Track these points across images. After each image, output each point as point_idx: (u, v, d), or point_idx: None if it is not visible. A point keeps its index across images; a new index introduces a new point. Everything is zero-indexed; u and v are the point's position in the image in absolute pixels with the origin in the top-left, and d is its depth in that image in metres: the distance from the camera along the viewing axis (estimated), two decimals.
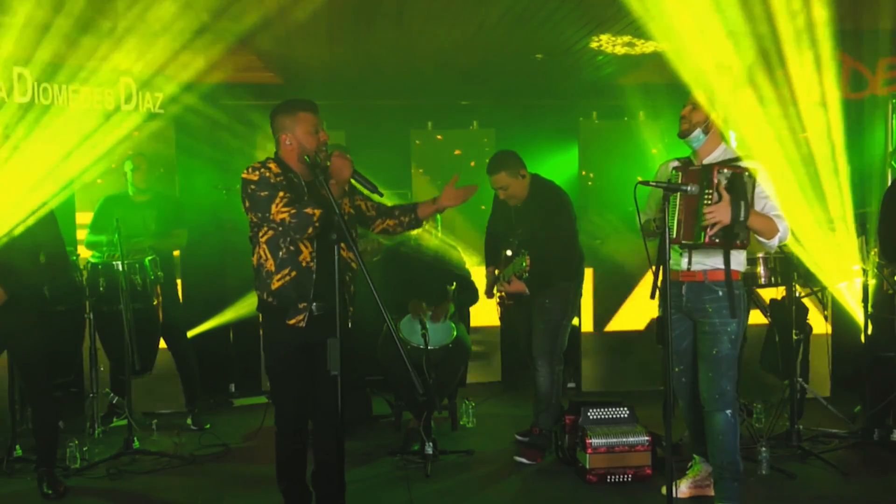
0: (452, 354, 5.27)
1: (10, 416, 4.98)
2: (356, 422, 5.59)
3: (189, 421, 5.75)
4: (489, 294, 5.30)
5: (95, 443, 5.26)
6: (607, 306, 6.77)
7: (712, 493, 4.14)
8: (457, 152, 6.99)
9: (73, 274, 5.34)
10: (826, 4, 5.09)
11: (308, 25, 5.55)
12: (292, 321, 3.53)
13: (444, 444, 5.02)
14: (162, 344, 5.72)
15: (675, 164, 3.95)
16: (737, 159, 3.79)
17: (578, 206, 5.76)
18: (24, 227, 4.29)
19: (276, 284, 3.52)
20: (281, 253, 3.51)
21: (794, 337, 5.03)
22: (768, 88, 5.88)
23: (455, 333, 5.27)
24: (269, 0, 4.95)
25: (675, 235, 3.69)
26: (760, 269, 4.98)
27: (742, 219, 3.61)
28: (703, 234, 3.63)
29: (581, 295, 5.23)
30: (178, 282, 6.03)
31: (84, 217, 5.83)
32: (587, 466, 4.42)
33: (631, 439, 4.44)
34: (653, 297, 3.69)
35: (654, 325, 6.35)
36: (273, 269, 3.52)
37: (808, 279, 5.08)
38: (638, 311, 6.66)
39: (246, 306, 6.30)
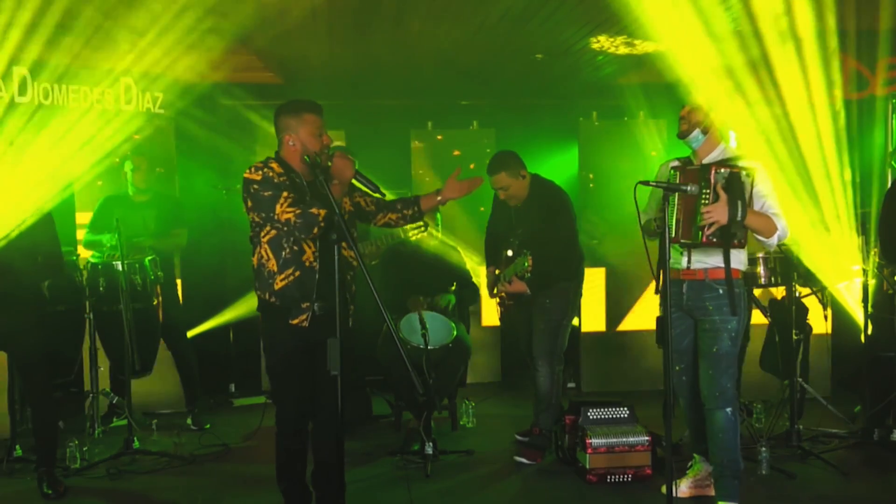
0: (452, 354, 5.27)
1: (9, 416, 4.98)
2: (356, 422, 5.59)
3: (189, 421, 5.75)
4: (491, 294, 5.30)
5: (95, 443, 5.26)
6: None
7: (712, 492, 4.14)
8: (455, 153, 6.99)
9: (72, 274, 5.34)
10: (826, 4, 5.09)
11: (308, 25, 5.56)
12: (295, 321, 3.53)
13: (444, 444, 5.02)
14: (162, 344, 5.72)
15: (675, 163, 3.96)
16: (735, 159, 3.80)
17: (578, 206, 5.77)
18: (21, 226, 4.29)
19: (279, 284, 3.51)
20: (284, 253, 3.51)
21: (794, 337, 5.03)
22: (768, 88, 5.88)
23: (455, 333, 5.27)
24: (269, 0, 4.95)
25: (674, 235, 3.71)
26: (760, 269, 4.99)
27: (739, 218, 3.62)
28: (700, 233, 3.65)
29: (581, 295, 5.23)
30: (178, 282, 6.03)
31: (84, 217, 5.83)
32: (587, 466, 4.42)
33: (631, 439, 4.44)
34: (657, 292, 3.70)
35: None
36: (276, 269, 3.52)
37: (808, 279, 5.08)
38: (653, 309, 6.66)
39: (246, 306, 6.30)
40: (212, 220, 6.68)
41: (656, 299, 3.99)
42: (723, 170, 3.64)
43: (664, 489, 3.79)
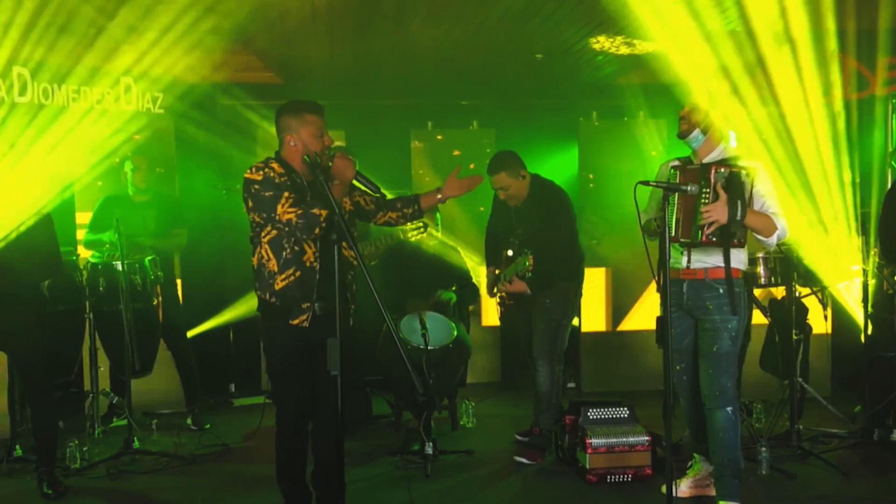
0: (452, 354, 5.27)
1: (9, 416, 4.98)
2: (356, 422, 5.59)
3: (189, 421, 5.75)
4: (490, 294, 5.30)
5: (95, 443, 5.26)
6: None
7: (712, 492, 4.15)
8: (455, 153, 6.98)
9: (72, 274, 5.34)
10: (825, 5, 5.09)
11: (308, 25, 5.56)
12: (296, 321, 3.53)
13: (444, 444, 5.02)
14: (162, 344, 5.72)
15: (675, 163, 3.96)
16: (736, 159, 3.81)
17: (578, 206, 5.76)
18: (20, 226, 4.28)
19: (279, 285, 3.51)
20: (285, 253, 3.50)
21: (794, 337, 5.03)
22: (767, 89, 5.88)
23: (455, 333, 5.27)
24: (269, 0, 4.95)
25: (673, 234, 3.72)
26: (760, 269, 4.98)
27: (739, 218, 3.63)
28: (700, 232, 3.65)
29: (581, 295, 5.23)
30: (178, 282, 6.03)
31: (84, 217, 5.82)
32: (587, 466, 4.42)
33: (631, 439, 4.44)
34: (659, 290, 3.71)
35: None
36: (276, 269, 3.51)
37: (808, 279, 5.08)
38: (653, 309, 6.66)
39: (246, 306, 6.30)
40: (212, 220, 6.67)
41: (656, 299, 3.99)
42: (723, 169, 3.65)
43: (664, 489, 3.79)
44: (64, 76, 5.63)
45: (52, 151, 5.42)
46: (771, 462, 4.50)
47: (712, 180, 3.62)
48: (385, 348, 5.37)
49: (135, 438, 5.01)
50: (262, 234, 3.54)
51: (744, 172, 3.68)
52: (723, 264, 3.80)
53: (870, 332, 5.15)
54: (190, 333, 6.10)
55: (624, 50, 6.20)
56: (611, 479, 4.42)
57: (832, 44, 5.64)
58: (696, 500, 4.18)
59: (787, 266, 4.99)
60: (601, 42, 6.02)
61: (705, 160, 3.85)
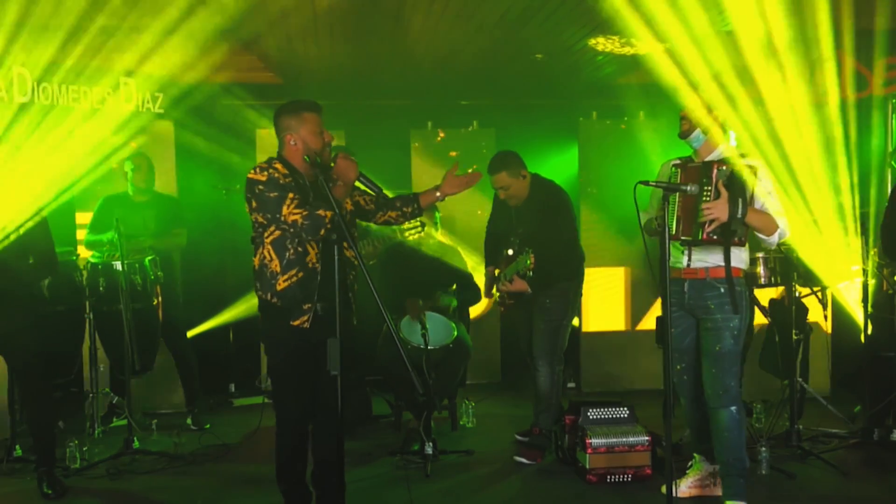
0: (452, 354, 5.27)
1: (9, 416, 4.97)
2: (356, 422, 5.59)
3: (189, 421, 5.75)
4: (489, 294, 5.30)
5: (95, 443, 5.26)
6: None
7: (712, 492, 4.16)
8: (452, 153, 6.98)
9: (72, 274, 5.34)
10: (826, 4, 5.09)
11: (308, 26, 5.56)
12: (297, 322, 3.53)
13: (444, 444, 5.02)
14: (162, 344, 5.72)
15: (677, 162, 3.96)
16: (737, 157, 3.80)
17: (578, 206, 5.77)
18: (16, 226, 4.28)
19: (281, 285, 3.51)
20: (288, 254, 3.50)
21: (794, 337, 5.03)
22: (767, 89, 5.88)
23: (455, 333, 5.27)
24: (269, 1, 4.95)
25: (674, 232, 3.72)
26: (760, 269, 4.98)
27: (739, 216, 3.63)
28: (700, 230, 3.65)
29: (581, 295, 5.23)
30: (178, 282, 6.03)
31: (84, 217, 5.83)
32: (587, 466, 4.42)
33: (631, 439, 4.44)
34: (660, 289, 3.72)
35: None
36: (278, 269, 3.51)
37: (808, 279, 5.08)
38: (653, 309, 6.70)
39: (246, 306, 6.30)
40: (212, 220, 6.68)
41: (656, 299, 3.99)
42: (724, 167, 3.65)
43: (664, 489, 3.79)
44: (64, 76, 5.63)
45: (52, 151, 5.41)
46: (771, 462, 4.50)
47: (713, 178, 3.62)
48: (385, 348, 5.37)
49: (135, 438, 5.01)
50: (265, 235, 3.54)
51: (746, 171, 3.69)
52: (723, 263, 3.80)
53: (870, 331, 5.15)
54: (190, 333, 6.10)
55: (624, 50, 6.20)
56: (611, 479, 4.42)
57: (831, 44, 5.64)
58: (695, 500, 4.18)
59: (787, 266, 4.99)
60: (601, 42, 6.02)
61: (706, 159, 3.86)
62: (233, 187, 6.27)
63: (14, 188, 4.65)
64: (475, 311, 6.57)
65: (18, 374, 4.52)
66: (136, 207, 5.67)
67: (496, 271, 5.18)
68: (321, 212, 3.40)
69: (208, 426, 5.73)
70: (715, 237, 3.68)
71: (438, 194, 3.85)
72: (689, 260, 3.87)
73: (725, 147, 3.93)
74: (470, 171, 4.01)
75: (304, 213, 3.41)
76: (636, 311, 6.81)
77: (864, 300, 5.14)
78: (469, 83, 7.36)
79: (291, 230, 3.46)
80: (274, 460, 3.73)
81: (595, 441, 4.42)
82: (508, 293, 5.07)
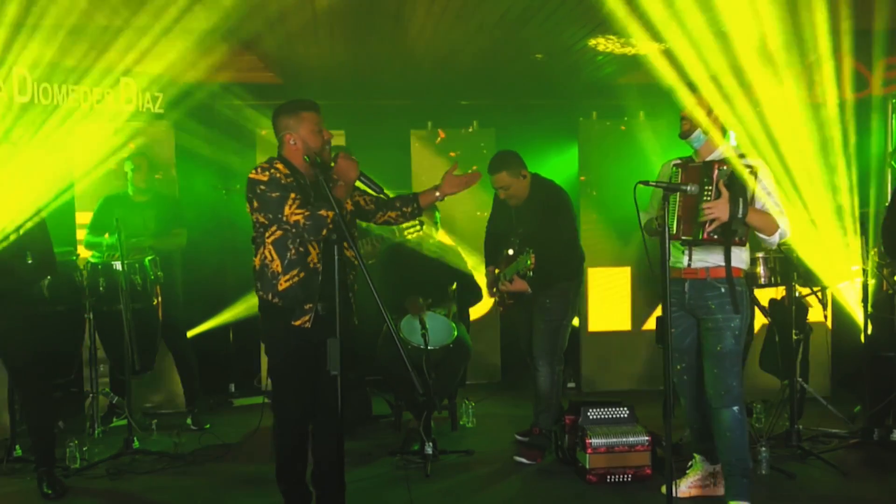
0: (453, 354, 5.27)
1: (9, 415, 4.97)
2: (356, 422, 5.59)
3: (189, 421, 5.75)
4: (490, 294, 5.30)
5: (95, 443, 5.26)
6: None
7: (712, 492, 4.16)
8: (452, 154, 6.98)
9: (72, 273, 5.34)
10: (825, 4, 5.09)
11: (308, 25, 5.56)
12: (298, 322, 3.53)
13: (444, 444, 5.02)
14: (162, 344, 5.72)
15: (677, 162, 3.96)
16: (738, 157, 3.81)
17: (578, 206, 5.77)
18: (14, 226, 4.27)
19: (283, 285, 3.51)
20: (289, 254, 3.50)
21: (794, 337, 5.03)
22: (767, 89, 5.88)
23: (455, 334, 5.27)
24: (269, 1, 4.95)
25: (674, 232, 3.72)
26: (760, 269, 4.98)
27: (740, 216, 3.62)
28: (701, 230, 3.65)
29: (580, 294, 5.23)
30: (178, 282, 6.03)
31: (84, 217, 5.82)
32: (587, 466, 4.42)
33: (631, 439, 4.44)
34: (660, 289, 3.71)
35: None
36: (280, 270, 3.51)
37: (808, 279, 5.08)
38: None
39: (246, 306, 6.30)
40: (212, 220, 6.68)
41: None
42: (725, 167, 3.65)
43: (664, 489, 3.79)
44: (64, 76, 5.63)
45: (51, 151, 5.42)
46: (771, 462, 4.50)
47: (714, 178, 3.62)
48: (385, 348, 5.37)
49: (135, 438, 5.01)
50: (267, 235, 3.53)
51: (746, 170, 3.68)
52: (724, 263, 3.80)
53: (870, 331, 5.15)
54: (190, 333, 6.10)
55: (624, 50, 6.20)
56: (611, 479, 4.42)
57: (831, 45, 5.64)
58: (695, 501, 4.18)
59: (787, 266, 4.99)
60: (601, 42, 6.02)
61: (707, 159, 3.85)
62: (233, 187, 6.27)
63: (13, 188, 4.65)
64: (477, 312, 6.59)
65: (16, 374, 4.50)
66: (136, 207, 5.67)
67: (496, 271, 5.18)
68: (323, 212, 3.40)
69: (208, 426, 5.73)
70: (716, 237, 3.68)
71: (438, 194, 3.85)
72: (690, 260, 3.87)
73: (726, 147, 3.93)
74: (470, 171, 4.01)
75: (307, 213, 3.41)
76: (641, 311, 6.81)
77: (864, 300, 5.14)
78: (469, 83, 7.36)
79: (293, 230, 3.46)
80: (274, 460, 3.73)
81: (595, 441, 4.42)
82: (508, 293, 5.07)
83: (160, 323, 5.59)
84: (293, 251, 3.50)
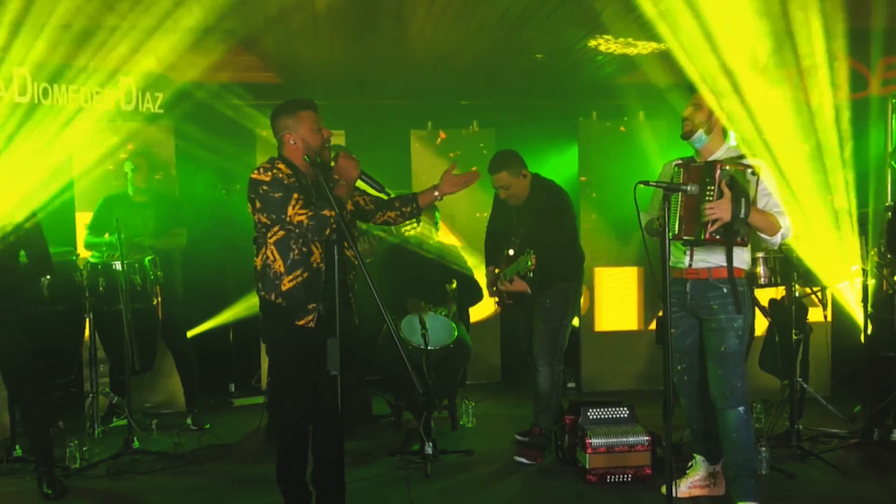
0: (453, 354, 5.27)
1: (9, 415, 4.97)
2: (356, 422, 5.59)
3: (189, 421, 5.75)
4: (491, 294, 5.30)
5: (95, 443, 5.26)
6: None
7: (712, 492, 4.16)
8: (451, 154, 6.98)
9: (72, 273, 5.34)
10: (824, 4, 5.09)
11: (308, 25, 5.56)
12: (302, 322, 3.53)
13: (444, 444, 5.03)
14: (162, 344, 5.72)
15: (679, 162, 3.95)
16: (740, 157, 3.80)
17: (578, 206, 5.77)
18: (12, 226, 4.27)
19: (286, 286, 3.51)
20: (292, 254, 3.50)
21: (794, 337, 5.03)
22: (766, 89, 5.88)
23: (456, 334, 5.27)
24: (269, 1, 4.96)
25: (676, 232, 3.72)
26: (760, 269, 4.98)
27: (742, 216, 3.62)
28: (703, 230, 3.65)
29: (581, 294, 5.23)
30: (178, 281, 6.03)
31: (84, 217, 5.83)
32: (587, 466, 4.42)
33: (631, 439, 4.44)
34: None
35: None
36: (283, 270, 3.51)
37: (808, 279, 5.08)
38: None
39: (246, 306, 6.30)
40: (212, 220, 6.68)
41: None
42: (727, 167, 3.65)
43: (664, 489, 3.79)
44: (64, 76, 5.63)
45: (51, 151, 5.42)
46: (771, 462, 4.50)
47: (717, 178, 3.62)
48: (385, 348, 5.37)
49: (135, 438, 5.01)
50: (269, 236, 3.53)
51: (749, 171, 3.68)
52: (725, 263, 3.80)
53: (870, 331, 5.15)
54: (190, 333, 6.10)
55: (624, 50, 6.20)
56: (611, 479, 4.42)
57: (831, 45, 5.64)
58: (695, 501, 4.18)
59: (787, 266, 4.99)
60: (601, 42, 6.02)
61: (709, 159, 3.85)
62: (233, 187, 6.27)
63: (13, 188, 4.65)
64: (479, 314, 6.58)
65: (5, 374, 4.47)
66: (136, 207, 5.67)
67: (496, 271, 5.18)
68: (326, 212, 3.40)
69: (208, 426, 5.73)
70: (718, 237, 3.68)
71: (437, 194, 3.85)
72: (692, 260, 3.87)
73: (727, 147, 3.93)
74: (469, 171, 4.00)
75: (310, 213, 3.41)
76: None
77: (864, 300, 5.14)
78: (469, 83, 7.36)
79: (296, 231, 3.46)
80: (274, 460, 3.73)
81: (595, 441, 4.42)
82: (508, 293, 5.07)
83: (160, 323, 5.59)
84: (296, 251, 3.50)
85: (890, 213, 5.10)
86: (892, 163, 6.20)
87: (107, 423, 5.61)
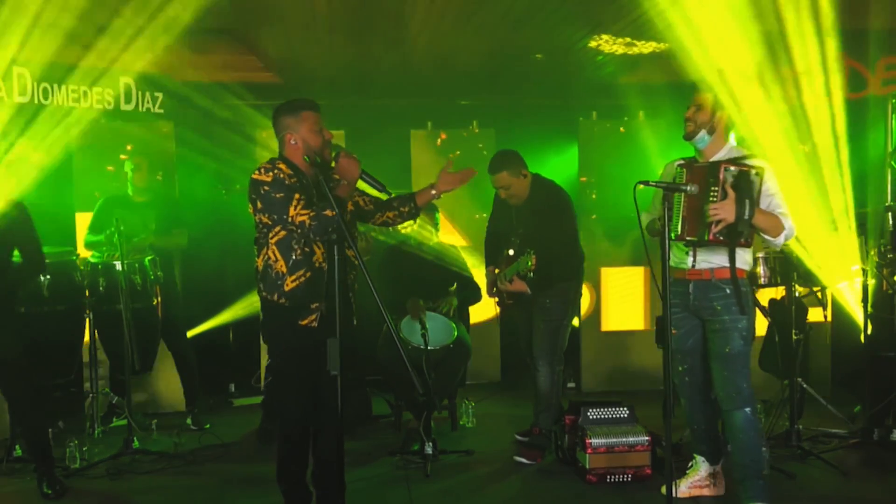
0: (452, 354, 5.27)
1: (9, 415, 4.97)
2: (356, 422, 5.59)
3: (189, 421, 5.75)
4: (490, 293, 5.30)
5: (95, 443, 5.26)
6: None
7: (712, 493, 4.16)
8: (450, 155, 6.97)
9: (71, 273, 5.34)
10: (825, 4, 5.09)
11: (308, 26, 5.56)
12: (305, 321, 3.53)
13: (444, 444, 5.02)
14: (162, 344, 5.72)
15: (681, 162, 3.94)
16: (743, 158, 3.80)
17: (578, 206, 5.76)
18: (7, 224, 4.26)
19: (289, 286, 3.51)
20: (294, 254, 3.50)
21: (794, 337, 5.03)
22: (767, 88, 5.88)
23: (456, 334, 5.27)
24: (269, 0, 4.96)
25: (679, 233, 3.70)
26: (760, 269, 4.98)
27: (747, 217, 3.62)
28: (706, 231, 3.64)
29: (581, 295, 5.23)
30: (178, 281, 6.03)
31: (84, 217, 5.82)
32: (587, 466, 4.42)
33: (631, 439, 4.44)
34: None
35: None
36: (285, 270, 3.51)
37: (808, 279, 5.08)
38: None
39: (246, 306, 6.31)
40: (212, 220, 6.68)
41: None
42: (731, 168, 3.64)
43: (664, 489, 3.79)
44: (64, 76, 5.63)
45: (51, 151, 5.42)
46: (771, 462, 4.47)
47: (721, 179, 3.61)
48: (385, 348, 5.37)
49: (135, 438, 5.00)
50: (270, 236, 3.53)
51: (753, 171, 3.67)
52: (728, 264, 3.79)
53: (870, 331, 5.15)
54: (190, 333, 6.10)
55: (624, 50, 6.21)
56: (610, 479, 4.42)
57: (830, 44, 5.64)
58: (695, 501, 4.18)
59: (787, 266, 4.99)
60: (601, 42, 6.03)
61: (712, 160, 3.84)
62: (233, 187, 6.27)
63: (11, 188, 4.65)
64: (481, 315, 6.58)
65: (4, 373, 4.42)
66: (136, 207, 5.66)
67: (496, 270, 5.18)
68: (328, 212, 3.40)
69: (208, 426, 5.73)
70: (721, 238, 3.67)
71: (434, 192, 3.85)
72: (694, 261, 3.86)
73: (730, 147, 3.92)
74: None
75: (312, 213, 3.41)
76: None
77: (864, 300, 5.14)
78: (469, 83, 7.36)
79: (298, 231, 3.46)
80: (274, 460, 3.73)
81: (595, 441, 4.42)
82: (508, 293, 5.07)
83: (160, 323, 5.59)
84: (298, 251, 3.50)
85: (890, 213, 5.09)
86: (892, 163, 6.20)
87: (107, 423, 5.60)
